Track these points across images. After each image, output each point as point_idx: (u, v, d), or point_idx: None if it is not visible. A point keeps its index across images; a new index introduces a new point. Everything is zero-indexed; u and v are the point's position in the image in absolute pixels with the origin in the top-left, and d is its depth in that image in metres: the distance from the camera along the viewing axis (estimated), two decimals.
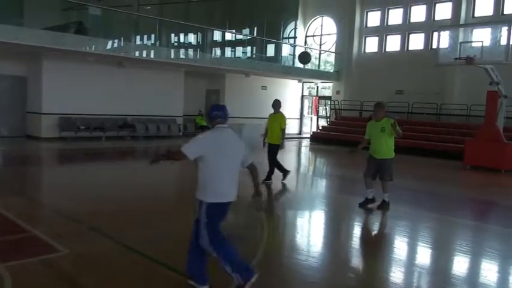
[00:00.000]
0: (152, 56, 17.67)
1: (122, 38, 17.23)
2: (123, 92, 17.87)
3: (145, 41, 20.59)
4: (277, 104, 9.63)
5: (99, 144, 16.17)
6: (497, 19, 17.41)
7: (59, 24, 16.56)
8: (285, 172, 9.77)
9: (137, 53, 17.33)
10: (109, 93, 17.55)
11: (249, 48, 24.58)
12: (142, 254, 4.83)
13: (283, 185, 9.68)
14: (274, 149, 9.52)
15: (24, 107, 17.01)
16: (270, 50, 24.97)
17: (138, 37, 19.86)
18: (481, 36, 14.07)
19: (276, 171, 9.67)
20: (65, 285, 4.16)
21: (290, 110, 24.85)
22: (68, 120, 16.70)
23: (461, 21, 18.59)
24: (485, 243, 6.28)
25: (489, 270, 5.15)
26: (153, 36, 20.52)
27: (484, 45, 13.58)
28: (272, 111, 9.72)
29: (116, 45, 16.79)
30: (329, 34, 25.03)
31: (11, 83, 16.71)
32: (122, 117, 18.19)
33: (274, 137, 9.45)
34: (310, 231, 6.78)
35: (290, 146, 20.38)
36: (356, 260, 5.45)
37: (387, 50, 22.35)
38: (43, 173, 11.30)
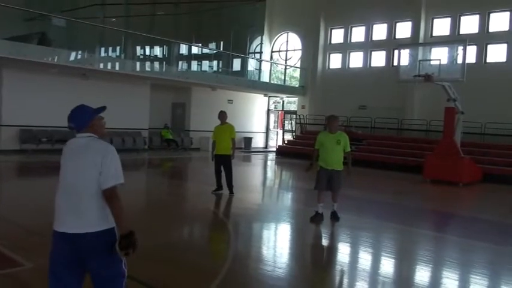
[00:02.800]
0: (117, 68, 17.46)
1: (87, 50, 16.98)
2: (87, 104, 17.45)
3: (110, 53, 20.38)
4: (223, 115, 9.67)
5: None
6: (453, 39, 18.29)
7: (21, 34, 16.16)
8: (219, 188, 9.77)
9: (102, 65, 17.09)
10: (72, 105, 16.88)
11: (215, 62, 24.73)
12: None
13: (243, 198, 9.73)
14: (227, 160, 9.55)
15: None
16: (236, 64, 25.22)
17: (103, 49, 19.64)
18: (439, 55, 14.76)
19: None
20: None
21: (256, 124, 25.12)
22: (29, 132, 16.20)
23: (421, 40, 19.41)
24: (444, 252, 6.52)
25: (448, 279, 5.34)
26: (118, 48, 20.35)
27: (441, 63, 14.25)
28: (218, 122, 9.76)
29: (79, 56, 16.52)
30: (294, 50, 25.53)
31: None
32: None
33: (225, 148, 9.49)
34: (275, 243, 6.85)
35: (256, 159, 20.57)
36: (319, 271, 5.54)
37: (351, 66, 23.01)
38: (1, 186, 10.89)
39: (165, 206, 8.82)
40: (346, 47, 23.09)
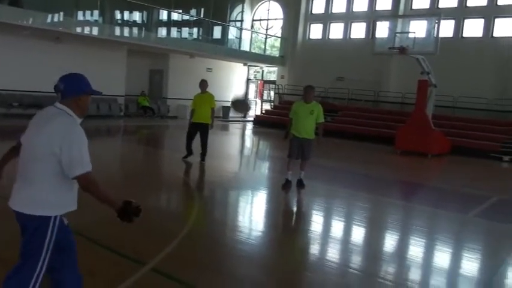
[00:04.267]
0: (95, 33, 17.08)
1: (62, 13, 16.51)
2: (61, 68, 16.91)
3: (87, 17, 19.83)
4: (204, 84, 9.63)
5: None
6: (431, 12, 18.37)
7: None
8: (189, 153, 9.72)
9: (79, 29, 16.69)
10: (46, 69, 16.74)
11: (195, 30, 24.34)
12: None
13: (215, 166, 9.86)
14: (205, 128, 9.57)
15: None
16: (217, 32, 24.89)
17: (80, 12, 19.07)
18: (416, 28, 14.86)
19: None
20: None
21: (235, 93, 25.05)
22: (2, 96, 15.87)
23: (400, 13, 19.45)
24: (411, 221, 6.81)
25: (415, 246, 5.59)
26: (96, 12, 19.80)
27: (417, 36, 14.38)
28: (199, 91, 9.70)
29: (55, 19, 16.07)
30: (275, 19, 25.29)
31: None
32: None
33: (204, 117, 9.48)
34: (242, 208, 7.05)
35: (234, 128, 20.66)
36: (291, 239, 5.75)
37: (331, 37, 22.98)
38: None
39: (138, 173, 8.89)
40: (327, 18, 22.99)
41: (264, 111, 23.19)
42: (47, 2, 16.73)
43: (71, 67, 15.74)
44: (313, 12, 23.66)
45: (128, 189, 7.14)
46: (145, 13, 22.58)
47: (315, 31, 23.61)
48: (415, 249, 5.43)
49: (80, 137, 2.56)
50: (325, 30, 23.08)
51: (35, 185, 2.53)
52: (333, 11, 22.85)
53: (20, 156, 2.66)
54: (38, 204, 2.52)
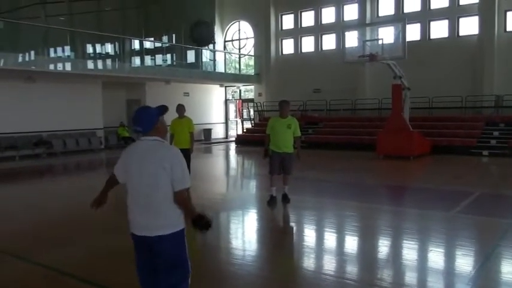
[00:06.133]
0: (68, 68, 17.01)
1: (33, 52, 16.43)
2: (36, 107, 16.98)
3: (58, 53, 19.76)
4: (181, 109, 9.38)
5: (12, 165, 15.27)
6: (398, 17, 18.86)
7: None
8: None
9: (51, 66, 16.62)
10: (21, 109, 16.61)
11: (168, 56, 24.45)
12: (70, 275, 4.73)
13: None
14: (186, 153, 9.51)
15: None
16: (191, 56, 25.02)
17: (51, 50, 19.00)
18: (385, 35, 15.25)
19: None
20: None
21: (215, 114, 25.13)
22: None
23: (367, 21, 19.91)
24: (399, 224, 6.84)
25: (406, 249, 5.63)
26: (66, 48, 19.75)
27: (385, 42, 14.74)
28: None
29: (27, 59, 15.97)
30: (247, 38, 25.60)
31: None
32: (37, 134, 17.30)
33: (184, 142, 9.41)
34: (233, 229, 7.02)
35: (217, 150, 20.65)
36: (283, 255, 5.74)
37: (303, 51, 23.34)
38: None
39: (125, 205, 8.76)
40: (297, 32, 23.39)
41: (245, 130, 23.27)
42: (17, 42, 16.68)
43: (47, 105, 15.66)
44: (283, 28, 24.05)
45: (118, 218, 7.05)
46: (117, 44, 22.64)
47: (287, 46, 23.99)
48: (406, 252, 5.47)
49: (181, 157, 2.97)
50: (297, 45, 23.45)
51: (160, 208, 2.88)
52: (303, 25, 23.27)
53: (132, 187, 2.98)
54: (170, 223, 2.91)
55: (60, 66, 17.41)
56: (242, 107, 25.95)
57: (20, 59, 16.06)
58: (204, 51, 25.68)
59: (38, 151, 17.11)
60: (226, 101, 26.20)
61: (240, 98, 26.42)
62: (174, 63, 23.76)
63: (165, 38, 25.57)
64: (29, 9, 19.33)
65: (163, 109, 2.99)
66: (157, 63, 23.70)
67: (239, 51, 26.08)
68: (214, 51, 25.56)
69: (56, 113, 17.51)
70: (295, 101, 19.04)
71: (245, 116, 25.34)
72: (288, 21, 23.88)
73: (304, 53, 23.20)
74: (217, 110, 25.39)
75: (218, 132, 25.20)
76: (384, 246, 5.79)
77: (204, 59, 25.47)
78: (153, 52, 24.40)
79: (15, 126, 16.53)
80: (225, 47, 26.33)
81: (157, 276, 2.96)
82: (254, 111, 23.92)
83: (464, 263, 5.07)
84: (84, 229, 6.63)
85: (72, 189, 10.70)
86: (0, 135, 16.17)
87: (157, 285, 2.99)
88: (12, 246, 5.76)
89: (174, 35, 25.17)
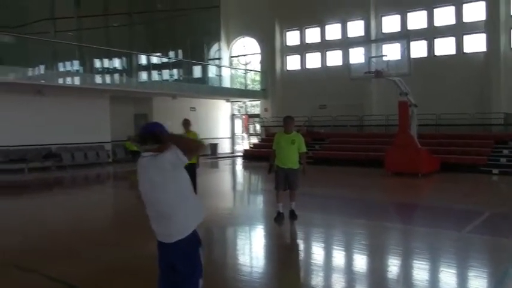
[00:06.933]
0: (77, 82, 17.19)
1: (42, 66, 16.64)
2: (45, 120, 17.16)
3: (68, 68, 19.99)
4: (187, 123, 9.44)
5: (21, 177, 15.35)
6: (403, 34, 18.93)
7: None
8: None
9: (60, 80, 16.80)
10: (30, 122, 16.77)
11: (175, 71, 24.66)
12: None
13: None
14: (192, 169, 9.49)
15: None
16: (197, 71, 25.24)
17: (59, 64, 19.24)
18: (388, 51, 15.31)
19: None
20: None
21: (221, 129, 25.20)
22: None
23: (372, 38, 20.02)
24: (409, 243, 6.77)
25: (416, 269, 5.53)
26: (74, 62, 19.98)
27: (392, 59, 14.78)
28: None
29: (36, 72, 16.17)
30: (253, 54, 25.81)
31: None
32: (46, 147, 17.43)
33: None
34: (240, 246, 6.97)
35: (223, 165, 20.65)
36: (291, 273, 5.70)
37: (308, 67, 23.47)
38: None
39: (132, 219, 8.77)
40: (302, 48, 23.55)
41: (252, 145, 23.30)
42: (27, 56, 16.91)
43: (56, 118, 15.82)
44: (288, 44, 24.23)
45: (126, 236, 7.04)
46: (124, 59, 22.87)
47: (293, 62, 24.13)
48: (416, 272, 5.41)
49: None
50: (302, 61, 23.60)
51: (176, 213, 2.96)
52: (308, 41, 23.42)
53: (149, 200, 3.04)
54: (187, 226, 3.02)
55: (68, 80, 17.60)
56: (248, 122, 26.03)
57: (30, 73, 16.27)
58: (210, 66, 25.91)
59: (47, 164, 17.23)
60: (232, 116, 26.30)
61: (247, 113, 26.51)
62: (181, 78, 23.95)
63: (171, 53, 25.83)
64: (38, 24, 19.61)
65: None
66: (164, 78, 23.90)
67: (245, 67, 26.25)
68: (219, 67, 25.76)
69: (64, 126, 17.67)
70: (301, 117, 19.09)
71: (251, 131, 25.41)
72: (292, 38, 24.08)
73: (310, 69, 23.32)
74: (223, 124, 25.48)
75: (224, 147, 25.24)
76: (393, 266, 5.75)
77: (210, 75, 25.68)
78: (160, 67, 24.62)
79: (25, 139, 16.66)
80: (230, 63, 26.52)
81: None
82: (261, 126, 23.98)
83: (477, 285, 5.00)
84: (90, 242, 6.64)
85: (81, 202, 10.73)
86: (10, 148, 16.28)
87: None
88: (20, 259, 5.80)
89: (180, 51, 25.42)
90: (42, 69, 16.79)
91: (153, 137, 2.95)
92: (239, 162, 21.49)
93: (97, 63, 21.77)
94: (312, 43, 23.20)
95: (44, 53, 18.21)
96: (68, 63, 20.11)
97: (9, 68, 15.21)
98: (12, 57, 16.20)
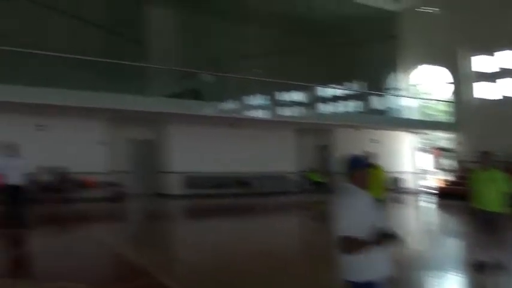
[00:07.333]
0: (266, 115, 18.43)
1: (236, 100, 18.30)
2: (236, 150, 18.68)
3: (255, 102, 21.44)
4: (369, 155, 8.87)
5: (223, 201, 16.89)
6: None
7: (175, 91, 17.91)
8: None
9: (251, 113, 18.26)
10: (223, 153, 18.45)
11: (353, 102, 24.31)
12: None
13: None
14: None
15: (154, 167, 18.22)
16: (376, 102, 24.47)
17: (249, 98, 20.83)
18: None
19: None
20: None
21: (404, 163, 23.79)
22: (192, 178, 17.75)
23: None
24: None
25: None
26: (262, 96, 21.33)
27: None
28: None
29: (228, 107, 17.82)
30: (439, 83, 24.01)
31: (143, 147, 18.12)
32: (237, 174, 18.80)
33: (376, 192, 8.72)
34: None
35: (410, 200, 19.40)
36: None
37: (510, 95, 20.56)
38: (174, 228, 12.13)
39: (317, 249, 8.66)
40: (498, 75, 20.87)
41: (446, 182, 21.18)
42: (223, 92, 18.76)
43: (246, 149, 16.98)
44: (479, 70, 21.72)
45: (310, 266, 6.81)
46: (305, 91, 23.44)
47: (489, 90, 21.49)
48: None
49: (343, 203, 3.22)
50: (499, 89, 20.82)
51: None
52: (504, 67, 20.60)
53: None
54: None
55: (257, 113, 18.95)
56: (438, 156, 24.01)
57: (222, 108, 17.99)
58: (391, 97, 24.92)
59: (239, 191, 18.54)
60: (416, 149, 24.61)
61: (437, 147, 24.52)
62: (361, 109, 23.52)
63: (351, 84, 25.59)
64: (233, 63, 21.55)
65: (367, 163, 3.32)
66: (344, 110, 23.78)
67: (431, 96, 24.51)
68: (401, 97, 24.58)
69: (253, 156, 18.92)
70: (500, 153, 16.63)
71: (441, 166, 23.35)
72: (486, 63, 21.49)
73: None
74: (406, 158, 24.04)
75: (408, 182, 23.69)
76: None
77: (390, 105, 24.62)
78: (339, 98, 24.61)
79: (221, 167, 18.31)
80: (414, 92, 25.05)
81: None
82: (456, 161, 21.86)
83: None
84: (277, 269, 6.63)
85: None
86: (209, 175, 18.01)
87: None
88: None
89: (360, 81, 25.01)
90: (236, 103, 18.43)
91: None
92: (427, 198, 19.86)
93: (281, 96, 22.87)
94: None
95: (234, 88, 19.95)
96: (254, 97, 21.60)
97: (207, 103, 17.03)
98: (212, 93, 18.14)
